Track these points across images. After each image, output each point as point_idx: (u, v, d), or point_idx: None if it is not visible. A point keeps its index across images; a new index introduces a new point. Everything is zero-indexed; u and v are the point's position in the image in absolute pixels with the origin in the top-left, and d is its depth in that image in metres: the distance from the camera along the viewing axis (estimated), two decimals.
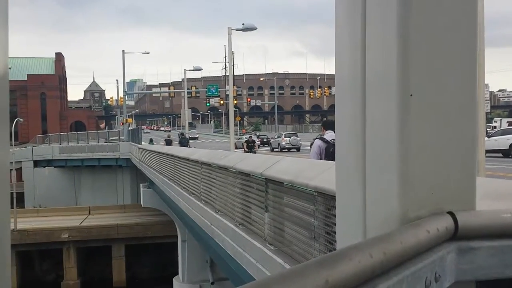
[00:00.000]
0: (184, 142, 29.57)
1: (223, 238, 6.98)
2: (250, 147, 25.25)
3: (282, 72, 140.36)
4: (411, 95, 1.03)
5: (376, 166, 1.12)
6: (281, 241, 4.89)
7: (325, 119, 14.48)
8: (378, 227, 1.08)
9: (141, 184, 21.90)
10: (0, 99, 0.52)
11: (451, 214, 1.03)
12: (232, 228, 6.56)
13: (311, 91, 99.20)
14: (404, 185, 1.03)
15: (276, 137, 39.82)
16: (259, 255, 5.22)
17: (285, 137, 37.30)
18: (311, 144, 9.67)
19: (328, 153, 7.62)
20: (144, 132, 56.63)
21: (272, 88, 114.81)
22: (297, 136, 38.49)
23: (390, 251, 0.81)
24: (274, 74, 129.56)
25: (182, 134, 31.75)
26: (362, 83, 1.14)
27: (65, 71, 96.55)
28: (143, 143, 32.53)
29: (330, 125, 8.39)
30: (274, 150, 35.75)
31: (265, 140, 44.88)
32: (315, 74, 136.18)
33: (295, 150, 34.95)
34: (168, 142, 30.67)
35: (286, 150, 34.62)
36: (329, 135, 7.99)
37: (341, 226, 1.29)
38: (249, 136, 26.18)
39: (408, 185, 1.03)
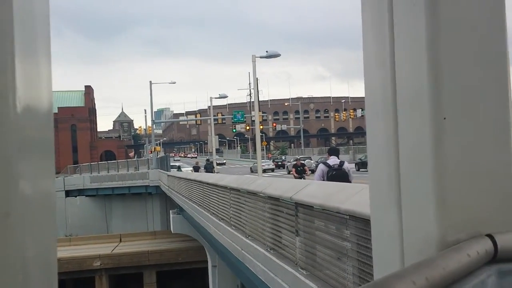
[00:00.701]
0: (209, 167, 31.06)
1: (254, 263, 6.97)
2: (299, 171, 19.49)
3: (307, 96, 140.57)
4: (445, 118, 1.02)
5: (411, 189, 1.10)
6: (313, 265, 4.86)
7: (332, 144, 16.92)
8: (416, 252, 1.05)
9: (170, 211, 22.08)
10: (46, 132, 0.55)
11: (490, 236, 1.01)
12: (263, 253, 6.55)
13: (336, 114, 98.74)
14: (441, 208, 1.02)
15: (292, 160, 42.95)
16: (291, 279, 5.20)
17: (307, 159, 41.18)
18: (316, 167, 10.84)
19: (328, 176, 8.73)
20: (174, 160, 57.95)
21: (297, 112, 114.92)
22: (311, 159, 42.72)
23: (433, 277, 0.80)
24: (298, 98, 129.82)
25: (208, 160, 33.80)
26: (393, 105, 1.11)
27: (94, 103, 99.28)
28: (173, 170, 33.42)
29: (334, 151, 9.49)
30: (290, 172, 37.81)
31: (279, 163, 51.97)
32: (339, 97, 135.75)
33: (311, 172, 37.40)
34: (196, 169, 31.53)
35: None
36: (332, 160, 9.05)
37: (377, 251, 1.27)
38: (297, 159, 22.67)
39: (445, 208, 1.02)
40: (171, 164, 40.24)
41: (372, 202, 1.30)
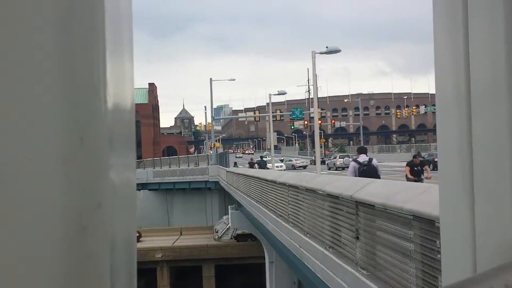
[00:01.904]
0: (262, 164, 32.55)
1: (312, 261, 6.93)
2: (416, 172, 13.70)
3: (367, 92, 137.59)
4: None
5: (486, 190, 1.06)
6: (374, 266, 4.76)
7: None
8: (490, 256, 1.02)
9: (229, 206, 22.45)
10: (129, 127, 0.57)
11: None
12: (321, 251, 6.50)
13: (397, 110, 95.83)
14: None
15: (332, 158, 48.48)
16: (351, 279, 5.12)
17: (339, 158, 45.55)
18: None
19: (359, 171, 9.94)
20: (236, 157, 59.71)
21: (356, 109, 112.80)
22: (349, 157, 44.22)
23: None
24: (358, 95, 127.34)
25: (261, 157, 35.98)
26: (467, 101, 1.09)
27: (157, 100, 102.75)
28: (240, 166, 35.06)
29: (362, 150, 10.91)
30: (331, 169, 43.45)
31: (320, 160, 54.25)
32: (401, 93, 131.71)
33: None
34: (251, 165, 32.32)
35: (341, 169, 41.01)
36: (361, 158, 10.27)
37: (447, 255, 1.23)
38: (415, 156, 15.63)
39: None
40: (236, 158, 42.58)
41: (442, 203, 1.25)
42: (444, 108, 1.20)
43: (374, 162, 10.15)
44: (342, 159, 43.84)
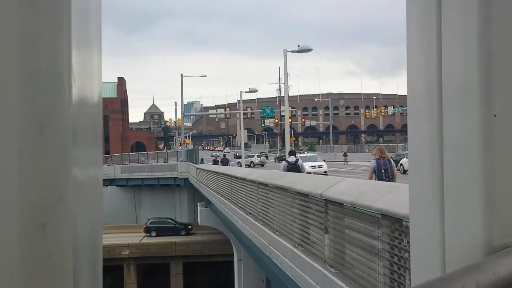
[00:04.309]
0: (224, 161, 33.40)
1: (281, 258, 6.96)
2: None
3: (337, 92, 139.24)
4: (495, 115, 0.98)
5: (456, 190, 1.07)
6: (342, 264, 4.82)
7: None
8: (459, 256, 1.02)
9: (198, 203, 22.33)
10: (96, 121, 0.56)
11: None
12: (290, 249, 6.54)
13: (366, 111, 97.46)
14: (488, 210, 0.97)
15: (250, 156, 57.35)
16: (320, 277, 5.16)
17: (256, 157, 55.17)
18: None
19: (288, 168, 12.70)
20: (212, 155, 62.83)
21: (326, 108, 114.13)
22: (266, 157, 59.54)
23: (483, 282, 0.77)
24: (328, 94, 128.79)
25: (224, 155, 36.79)
26: (439, 102, 1.10)
27: (126, 94, 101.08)
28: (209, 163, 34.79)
29: (292, 153, 14.39)
30: (250, 166, 47.99)
31: (237, 155, 61.76)
32: (370, 94, 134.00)
33: (260, 166, 48.35)
34: (215, 162, 33.06)
35: (259, 166, 47.82)
36: (290, 159, 13.42)
37: (416, 253, 1.23)
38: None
39: (493, 210, 0.98)
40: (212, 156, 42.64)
41: (412, 202, 1.26)
42: (415, 109, 1.21)
43: (299, 162, 13.46)
44: (259, 158, 54.78)
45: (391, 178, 10.74)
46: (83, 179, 0.49)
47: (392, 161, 11.54)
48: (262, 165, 49.65)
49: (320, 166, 31.36)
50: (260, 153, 68.36)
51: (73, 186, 0.45)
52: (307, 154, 39.49)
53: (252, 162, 51.00)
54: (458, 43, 1.05)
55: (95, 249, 0.55)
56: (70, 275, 0.45)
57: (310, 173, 24.56)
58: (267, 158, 64.42)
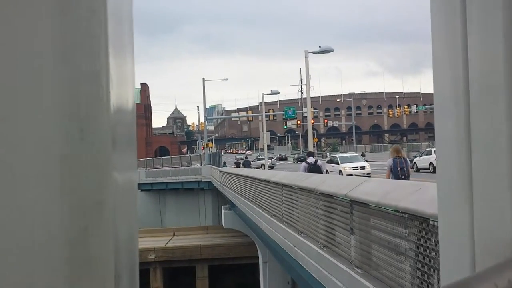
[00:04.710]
0: (246, 164, 33.06)
1: (307, 260, 6.94)
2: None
3: (359, 92, 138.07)
4: None
5: (485, 188, 1.07)
6: (369, 264, 4.78)
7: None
8: (490, 254, 1.02)
9: (222, 206, 22.42)
10: (131, 128, 0.57)
11: None
12: (316, 250, 6.52)
13: (389, 110, 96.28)
14: None
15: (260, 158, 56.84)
16: (346, 278, 5.14)
17: (268, 159, 53.60)
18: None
19: (308, 169, 13.25)
20: (236, 158, 63.38)
21: (349, 108, 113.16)
22: (285, 158, 63.51)
23: None
24: (350, 94, 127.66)
25: (246, 157, 36.27)
26: (466, 99, 1.09)
27: (149, 100, 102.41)
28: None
29: (310, 154, 15.30)
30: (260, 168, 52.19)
31: (283, 157, 64.39)
32: (393, 93, 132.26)
33: (270, 168, 48.50)
34: (237, 164, 33.10)
35: (269, 168, 46.02)
36: (309, 159, 13.95)
37: (445, 252, 1.23)
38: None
39: None
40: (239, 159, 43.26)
41: (440, 201, 1.25)
42: (442, 107, 1.20)
43: (319, 162, 14.05)
44: (270, 160, 53.40)
45: (406, 176, 11.65)
46: (121, 184, 0.51)
47: (408, 160, 12.71)
48: (272, 167, 49.07)
49: (363, 168, 26.71)
50: (275, 155, 70.08)
51: (112, 190, 0.46)
52: (347, 154, 33.85)
53: (262, 164, 50.64)
54: (484, 39, 1.04)
55: (133, 253, 0.56)
56: (111, 277, 0.45)
57: (351, 175, 22.03)
58: (286, 159, 66.41)
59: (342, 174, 24.44)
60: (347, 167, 26.66)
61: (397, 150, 12.15)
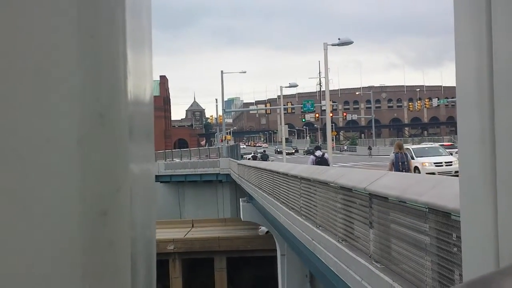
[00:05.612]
0: (264, 157, 33.08)
1: (325, 253, 6.93)
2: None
3: (378, 85, 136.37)
4: None
5: (508, 183, 1.05)
6: (388, 259, 4.75)
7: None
8: None
9: (240, 199, 22.50)
10: (148, 120, 0.58)
11: None
12: (334, 244, 6.50)
13: (410, 103, 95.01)
14: None
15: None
16: (365, 272, 5.11)
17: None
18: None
19: (316, 162, 13.71)
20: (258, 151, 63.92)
21: (368, 101, 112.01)
22: (296, 150, 65.44)
23: None
24: (370, 87, 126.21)
25: (264, 151, 36.53)
26: (490, 92, 1.08)
27: (168, 92, 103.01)
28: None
29: (318, 148, 15.58)
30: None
31: (278, 151, 64.62)
32: (413, 86, 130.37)
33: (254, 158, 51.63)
34: (254, 158, 33.79)
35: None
36: (317, 153, 14.48)
37: (468, 248, 1.21)
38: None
39: None
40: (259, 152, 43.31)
41: (463, 196, 1.23)
42: (465, 100, 1.18)
43: (326, 156, 14.61)
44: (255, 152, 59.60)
45: (407, 170, 12.59)
46: (138, 173, 0.51)
47: (409, 155, 13.51)
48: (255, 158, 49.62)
49: (449, 164, 19.44)
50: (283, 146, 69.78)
51: (130, 178, 0.46)
52: (425, 146, 24.50)
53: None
54: (509, 30, 1.02)
55: (150, 242, 0.57)
56: (128, 263, 0.46)
57: (433, 173, 16.35)
58: (297, 151, 68.81)
59: (419, 172, 17.96)
60: (426, 162, 19.63)
61: (400, 146, 13.22)
